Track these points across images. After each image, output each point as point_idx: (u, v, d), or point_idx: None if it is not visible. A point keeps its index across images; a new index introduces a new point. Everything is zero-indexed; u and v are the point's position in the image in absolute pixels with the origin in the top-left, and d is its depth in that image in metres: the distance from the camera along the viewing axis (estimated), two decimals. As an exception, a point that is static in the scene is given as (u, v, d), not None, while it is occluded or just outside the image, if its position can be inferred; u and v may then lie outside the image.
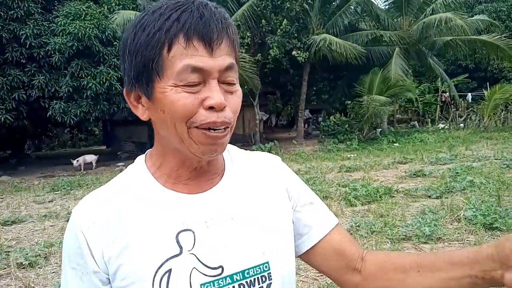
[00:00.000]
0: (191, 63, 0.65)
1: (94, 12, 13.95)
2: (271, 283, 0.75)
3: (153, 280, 0.68)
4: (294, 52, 16.44)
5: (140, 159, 0.81)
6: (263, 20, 16.28)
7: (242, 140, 20.60)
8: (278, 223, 0.81)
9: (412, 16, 19.03)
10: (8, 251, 4.83)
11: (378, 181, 7.88)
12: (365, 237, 4.48)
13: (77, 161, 13.64)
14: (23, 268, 4.27)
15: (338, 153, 13.96)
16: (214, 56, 0.66)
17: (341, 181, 8.02)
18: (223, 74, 0.68)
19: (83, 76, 13.39)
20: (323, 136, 18.28)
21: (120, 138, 19.43)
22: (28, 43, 13.57)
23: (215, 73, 0.67)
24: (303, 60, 16.53)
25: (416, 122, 24.48)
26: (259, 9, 16.61)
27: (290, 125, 31.11)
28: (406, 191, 6.68)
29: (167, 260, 0.70)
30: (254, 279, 0.74)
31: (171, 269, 0.69)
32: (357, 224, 4.85)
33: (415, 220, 4.85)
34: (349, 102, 18.54)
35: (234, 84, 0.71)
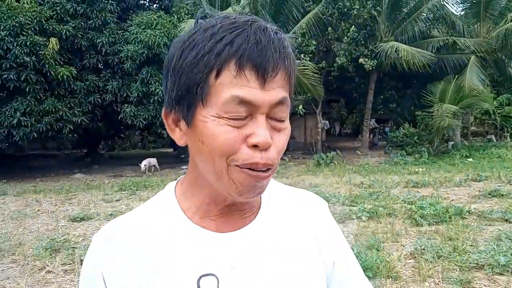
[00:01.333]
0: (240, 94, 0.57)
1: (164, 21, 14.57)
2: None
3: None
4: (361, 60, 15.98)
5: (170, 187, 0.74)
6: (329, 28, 16.01)
7: (303, 149, 20.38)
8: (312, 275, 0.70)
9: (491, 22, 17.73)
10: (75, 247, 5.08)
11: (448, 200, 7.33)
12: (431, 261, 4.12)
13: (145, 165, 14.19)
14: (86, 266, 4.46)
15: (405, 166, 13.28)
16: (266, 89, 0.58)
17: (407, 197, 7.55)
18: (273, 109, 0.60)
19: (152, 82, 14.01)
20: (390, 148, 17.53)
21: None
22: (104, 50, 14.49)
23: (265, 108, 0.59)
24: (370, 68, 16.01)
25: (493, 135, 22.70)
26: (325, 16, 16.38)
27: (355, 134, 30.29)
28: (480, 213, 6.13)
29: None
30: None
31: None
32: (422, 247, 4.49)
33: (489, 247, 4.39)
34: (419, 112, 17.62)
35: (283, 121, 0.62)
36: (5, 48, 12.66)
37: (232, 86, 0.57)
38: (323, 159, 14.56)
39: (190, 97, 0.60)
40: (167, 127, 0.67)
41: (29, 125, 13.23)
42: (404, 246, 4.78)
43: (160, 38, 13.76)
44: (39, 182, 12.84)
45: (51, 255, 4.77)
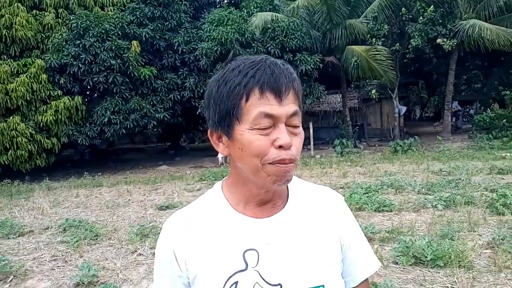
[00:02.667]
0: (264, 110, 0.79)
1: (235, 17, 15.00)
2: None
3: None
4: (439, 40, 15.05)
5: (218, 185, 0.97)
6: (403, 8, 15.28)
7: (380, 135, 19.82)
8: (331, 255, 0.90)
9: None
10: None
11: (537, 186, 6.81)
12: (509, 252, 3.96)
13: (222, 157, 14.76)
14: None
15: (490, 151, 12.40)
16: (282, 104, 0.80)
17: (489, 184, 7.15)
18: (289, 119, 0.81)
19: (226, 78, 14.52)
20: (474, 131, 16.40)
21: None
22: (180, 49, 15.35)
23: (283, 118, 0.80)
24: (449, 49, 15.02)
25: None
26: (398, -4, 15.67)
27: (437, 118, 28.64)
28: None
29: (235, 273, 0.84)
30: None
31: (237, 281, 0.83)
32: (500, 237, 4.31)
33: None
34: (508, 92, 16.22)
35: (298, 127, 0.83)
36: (93, 53, 13.99)
37: (258, 105, 0.79)
38: (400, 145, 14.08)
39: (229, 118, 0.82)
40: (212, 143, 0.90)
41: (118, 122, 14.53)
42: (481, 235, 4.61)
43: (232, 34, 14.21)
44: (129, 174, 14.08)
45: (141, 239, 5.35)
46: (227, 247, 0.86)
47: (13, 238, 6.00)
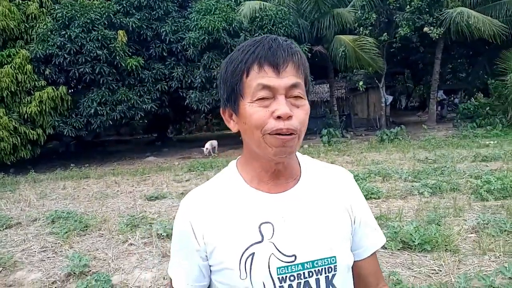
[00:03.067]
0: (262, 82, 0.83)
1: (222, 5, 14.88)
2: (335, 274, 0.90)
3: (240, 260, 0.87)
4: (426, 29, 15.16)
5: (233, 163, 1.00)
6: (390, -3, 15.34)
7: (367, 125, 19.98)
8: (342, 228, 0.94)
9: None
10: (151, 223, 5.62)
11: (520, 173, 6.98)
12: (493, 236, 4.07)
13: (207, 148, 14.68)
14: (162, 238, 4.95)
15: (474, 139, 12.62)
16: (281, 76, 0.83)
17: (473, 171, 7.30)
18: (289, 91, 0.84)
19: (214, 67, 14.47)
20: (459, 120, 16.65)
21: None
22: (167, 39, 15.18)
23: (282, 90, 0.83)
24: (436, 37, 15.15)
25: None
26: (385, -15, 15.73)
27: (423, 107, 28.94)
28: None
29: (251, 245, 0.87)
30: (322, 268, 0.89)
31: (254, 253, 0.87)
32: (485, 221, 4.42)
33: (558, 220, 4.23)
34: (492, 81, 16.47)
35: (301, 98, 0.86)
36: (79, 44, 13.76)
37: (257, 78, 0.83)
38: (386, 134, 14.24)
39: (234, 95, 0.87)
40: (225, 121, 0.95)
41: (104, 113, 14.36)
42: (466, 220, 4.73)
43: (219, 23, 14.10)
44: (116, 165, 13.99)
45: (131, 230, 5.35)
46: (243, 220, 0.89)
47: (0, 230, 5.94)
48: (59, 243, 5.08)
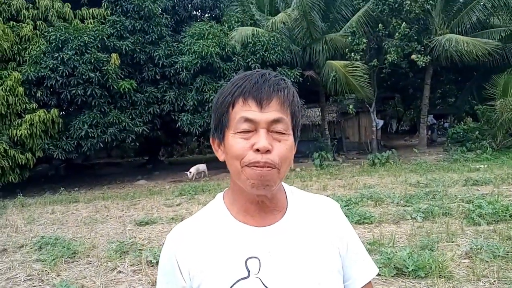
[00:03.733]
0: (245, 115, 0.84)
1: (216, 30, 15.10)
2: None
3: None
4: (413, 56, 15.49)
5: (219, 196, 0.99)
6: (379, 24, 15.71)
7: (358, 148, 20.09)
8: (330, 262, 0.92)
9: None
10: (141, 249, 5.51)
11: (510, 198, 7.02)
12: (486, 261, 4.05)
13: (190, 172, 14.51)
14: (152, 265, 4.84)
15: (465, 163, 12.74)
16: (264, 111, 0.84)
17: (465, 196, 7.32)
18: (272, 125, 0.85)
19: (206, 90, 14.55)
20: (449, 144, 16.83)
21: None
22: (161, 63, 15.29)
23: (263, 124, 0.84)
24: (423, 65, 15.47)
25: None
26: (375, 13, 16.12)
27: (413, 131, 29.27)
28: (544, 211, 5.82)
29: (238, 281, 0.86)
30: None
31: None
32: (478, 247, 4.41)
33: (551, 246, 4.23)
34: (479, 106, 16.77)
35: (284, 134, 0.86)
36: (72, 66, 13.78)
37: (241, 111, 0.85)
38: (378, 158, 14.31)
39: (221, 125, 0.90)
40: (214, 150, 0.96)
41: (95, 136, 14.27)
42: (459, 246, 4.71)
43: (212, 47, 14.26)
44: (106, 189, 13.81)
45: (120, 256, 5.23)
46: (229, 255, 0.89)
47: (-15, 257, 5.78)
48: (46, 270, 4.94)
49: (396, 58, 15.26)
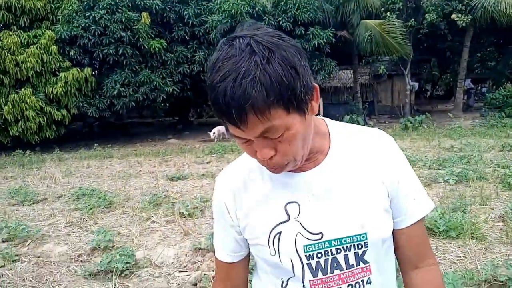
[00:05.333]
0: (234, 133, 0.78)
1: (246, -12, 14.71)
2: (366, 249, 0.88)
3: (268, 238, 0.89)
4: (453, 16, 14.69)
5: None
6: (418, -18, 14.90)
7: (390, 112, 19.66)
8: (376, 202, 0.89)
9: None
10: (174, 202, 5.68)
11: (550, 163, 6.76)
12: (521, 225, 3.97)
13: (214, 133, 14.49)
14: (184, 217, 5.01)
15: (503, 129, 12.25)
16: (245, 130, 0.74)
17: (501, 161, 7.09)
18: (263, 135, 0.76)
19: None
20: (487, 110, 16.18)
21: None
22: (190, 22, 15.16)
23: (253, 138, 0.77)
24: (464, 25, 14.66)
25: None
26: (414, -31, 15.26)
27: (448, 96, 28.25)
28: None
29: (277, 224, 0.89)
30: (351, 245, 0.87)
31: (281, 231, 0.88)
32: (513, 210, 4.31)
33: None
34: (522, 70, 15.92)
35: (281, 132, 0.76)
36: (103, 25, 13.87)
37: (229, 126, 0.76)
38: (411, 122, 13.97)
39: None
40: None
41: (127, 95, 14.53)
42: (493, 209, 4.61)
43: (243, 6, 13.97)
44: (138, 146, 14.18)
45: (154, 208, 5.43)
46: (271, 200, 0.90)
47: (28, 205, 6.12)
48: (84, 218, 5.20)
49: (435, 18, 14.52)
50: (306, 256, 0.87)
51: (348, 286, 0.88)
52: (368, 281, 0.89)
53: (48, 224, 5.08)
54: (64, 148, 14.17)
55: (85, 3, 13.97)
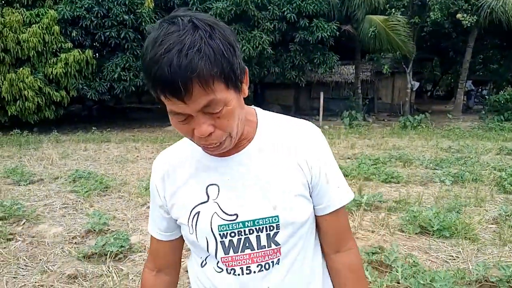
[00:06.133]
0: (172, 109, 0.79)
1: (253, -24, 14.59)
2: (278, 231, 0.93)
3: (189, 217, 0.96)
4: (458, 15, 14.64)
5: None
6: (426, -21, 14.80)
7: (390, 110, 19.67)
8: (291, 185, 0.93)
9: None
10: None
11: (546, 168, 6.78)
12: (515, 227, 4.00)
13: None
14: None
15: (501, 132, 12.30)
16: (188, 103, 0.75)
17: (497, 164, 7.13)
18: (204, 109, 0.77)
19: (239, 39, 14.29)
20: (486, 112, 16.21)
21: (268, 101, 20.44)
22: (194, 8, 15.01)
23: (194, 112, 0.78)
24: (468, 25, 14.61)
25: None
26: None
27: (449, 96, 28.29)
28: None
29: (197, 205, 0.95)
30: (263, 227, 0.92)
31: (199, 211, 0.95)
32: (506, 213, 4.33)
33: None
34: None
35: (220, 107, 0.78)
36: (106, 7, 13.73)
37: (168, 104, 0.78)
38: (410, 121, 13.99)
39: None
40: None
41: (128, 79, 14.44)
42: (487, 211, 4.64)
43: (248, -6, 13.86)
44: (136, 132, 14.15)
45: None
46: (195, 182, 0.96)
47: (23, 185, 6.11)
48: (79, 201, 5.20)
49: (440, 16, 14.45)
50: (220, 234, 0.93)
51: (258, 266, 0.94)
52: (277, 262, 0.94)
53: (43, 205, 5.08)
54: (62, 130, 14.12)
55: (89, -16, 13.82)
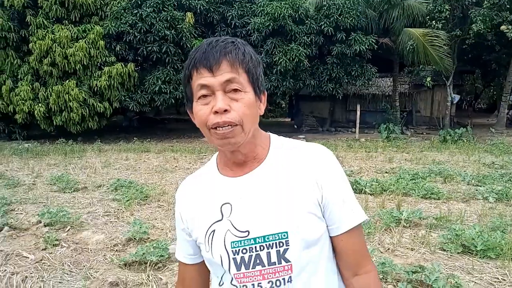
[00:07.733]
0: (200, 82, 0.92)
1: (290, -8, 14.74)
2: (288, 248, 0.95)
3: (205, 237, 1.01)
4: (503, 27, 14.12)
5: (214, 156, 1.12)
6: (467, -9, 14.43)
7: (429, 123, 19.16)
8: (302, 204, 0.96)
9: None
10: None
11: None
12: None
13: None
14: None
15: (549, 148, 11.69)
16: (215, 75, 0.90)
17: (546, 181, 6.79)
18: (226, 86, 0.91)
19: (276, 53, 14.44)
20: (532, 126, 15.48)
21: (303, 112, 20.39)
22: (233, 23, 15.34)
23: (218, 86, 0.90)
24: (514, 36, 14.08)
25: None
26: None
27: (491, 110, 27.23)
28: None
29: (213, 223, 1.01)
30: (274, 243, 0.95)
31: (214, 230, 1.00)
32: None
33: None
34: None
35: (240, 91, 0.92)
36: (149, 23, 14.27)
37: (197, 80, 0.92)
38: (450, 135, 13.54)
39: (187, 97, 0.99)
40: (191, 117, 1.01)
41: (168, 92, 14.88)
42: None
43: (286, 9, 14.02)
44: (175, 142, 14.49)
45: (188, 204, 5.55)
46: (210, 203, 1.03)
47: (69, 192, 6.41)
48: (121, 209, 5.39)
49: (482, 28, 14.01)
50: (232, 251, 0.97)
51: (268, 282, 0.95)
52: (289, 280, 0.95)
53: (87, 212, 5.30)
54: (104, 139, 14.69)
55: (133, 1, 14.44)
